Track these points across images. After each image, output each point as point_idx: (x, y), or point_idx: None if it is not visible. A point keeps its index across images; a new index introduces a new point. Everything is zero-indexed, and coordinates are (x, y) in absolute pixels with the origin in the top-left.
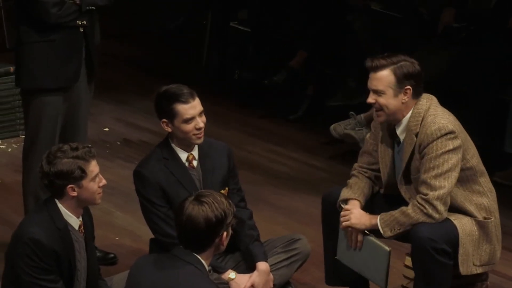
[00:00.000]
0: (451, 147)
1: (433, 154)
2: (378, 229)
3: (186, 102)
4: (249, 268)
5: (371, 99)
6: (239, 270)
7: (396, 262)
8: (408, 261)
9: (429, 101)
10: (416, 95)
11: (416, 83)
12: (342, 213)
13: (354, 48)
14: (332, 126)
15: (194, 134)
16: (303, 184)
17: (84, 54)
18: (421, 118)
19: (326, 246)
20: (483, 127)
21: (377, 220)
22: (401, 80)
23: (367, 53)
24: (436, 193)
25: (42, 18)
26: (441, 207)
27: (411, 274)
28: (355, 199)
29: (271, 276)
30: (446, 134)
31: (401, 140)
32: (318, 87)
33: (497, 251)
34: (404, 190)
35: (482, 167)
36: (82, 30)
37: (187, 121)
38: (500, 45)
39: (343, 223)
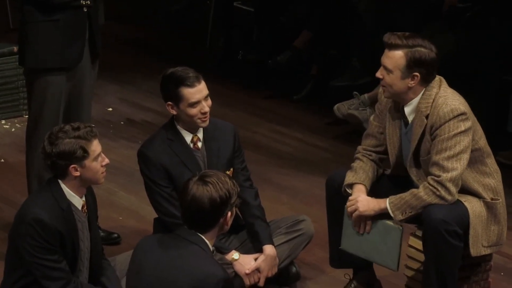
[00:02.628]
0: (463, 128)
1: (445, 136)
2: (387, 213)
3: (192, 86)
4: (255, 248)
5: (379, 73)
6: (243, 250)
7: None
8: (413, 241)
9: (439, 83)
10: (425, 82)
11: (427, 70)
12: (349, 203)
13: (359, 29)
14: (335, 106)
15: (199, 118)
16: (307, 164)
17: (88, 35)
18: (431, 100)
19: (330, 229)
20: (487, 108)
21: (387, 204)
22: (411, 65)
23: (371, 34)
24: (449, 175)
25: None
26: (453, 189)
27: (415, 254)
28: (361, 183)
29: (277, 260)
30: (459, 115)
31: (410, 121)
32: (322, 67)
33: (504, 232)
34: (413, 172)
35: (488, 149)
36: (85, 10)
37: (193, 105)
38: (504, 26)
39: (352, 213)
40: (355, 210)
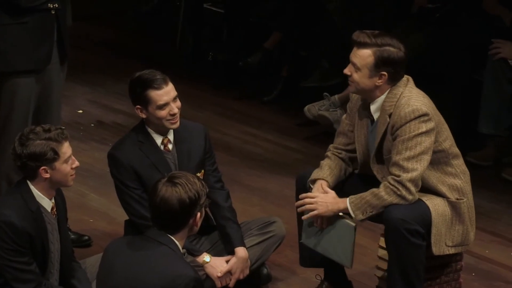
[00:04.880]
0: (424, 129)
1: (405, 136)
2: (348, 212)
3: (159, 88)
4: (226, 250)
5: (347, 70)
6: (215, 252)
7: (370, 243)
8: (383, 242)
9: (406, 82)
10: (393, 81)
11: (395, 70)
12: (308, 206)
13: (329, 29)
14: (306, 108)
15: (168, 120)
16: (278, 165)
17: (56, 37)
18: (396, 99)
19: (300, 227)
20: (457, 107)
21: (347, 204)
22: (379, 64)
23: (341, 34)
24: (409, 175)
25: (13, 1)
26: (413, 189)
27: (385, 255)
28: (323, 179)
29: (249, 262)
30: (420, 116)
31: (375, 119)
32: (293, 68)
33: (470, 233)
34: (376, 170)
35: (455, 150)
36: (53, 13)
37: (161, 107)
38: (473, 25)
39: (311, 213)
40: (313, 210)
